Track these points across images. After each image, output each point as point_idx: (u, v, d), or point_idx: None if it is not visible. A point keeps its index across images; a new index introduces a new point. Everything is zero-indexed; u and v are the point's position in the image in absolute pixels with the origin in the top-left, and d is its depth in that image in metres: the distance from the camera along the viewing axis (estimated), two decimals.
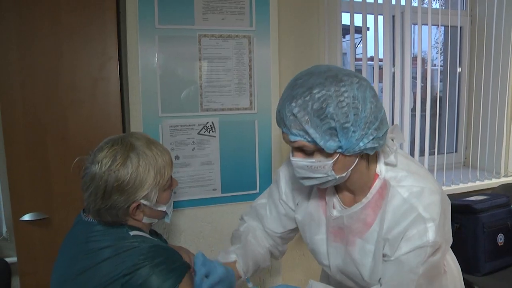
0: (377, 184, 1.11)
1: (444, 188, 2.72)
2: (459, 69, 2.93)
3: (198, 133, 1.93)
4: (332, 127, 0.98)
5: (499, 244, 2.27)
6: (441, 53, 2.95)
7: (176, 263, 1.09)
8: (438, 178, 2.74)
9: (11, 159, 1.72)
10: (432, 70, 2.67)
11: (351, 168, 1.06)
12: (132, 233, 1.13)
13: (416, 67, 2.66)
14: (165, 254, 1.09)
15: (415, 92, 2.69)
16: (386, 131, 1.05)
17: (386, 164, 1.11)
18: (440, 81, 3.01)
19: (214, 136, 1.96)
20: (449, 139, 2.96)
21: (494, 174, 2.90)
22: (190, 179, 1.95)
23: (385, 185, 1.09)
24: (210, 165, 1.97)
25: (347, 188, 1.17)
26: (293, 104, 0.98)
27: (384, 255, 1.08)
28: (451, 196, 2.50)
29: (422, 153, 2.71)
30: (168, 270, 1.05)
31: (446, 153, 2.82)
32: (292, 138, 1.02)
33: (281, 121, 1.03)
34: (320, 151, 1.01)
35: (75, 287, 1.08)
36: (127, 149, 1.12)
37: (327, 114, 0.96)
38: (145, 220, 1.19)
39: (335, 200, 1.20)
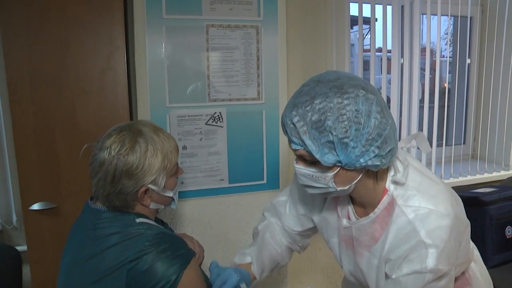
0: (385, 200, 1.06)
1: (452, 180, 2.69)
2: (468, 60, 2.88)
3: (206, 124, 1.93)
4: (330, 141, 0.93)
5: (508, 237, 2.24)
6: (450, 44, 2.91)
7: (181, 250, 1.09)
8: (445, 170, 2.71)
9: (20, 149, 1.72)
10: (440, 61, 2.63)
11: (354, 182, 1.02)
12: (138, 220, 1.13)
13: (425, 58, 2.63)
14: (170, 241, 1.09)
15: (424, 84, 2.66)
16: (392, 149, 0.98)
17: (393, 182, 1.05)
18: (449, 73, 2.97)
19: (222, 127, 1.95)
20: (457, 131, 2.92)
21: (503, 166, 2.86)
22: (197, 169, 1.94)
23: (393, 203, 1.04)
24: (217, 155, 1.96)
25: (357, 200, 1.14)
26: (294, 112, 0.95)
27: (385, 273, 1.04)
28: (458, 188, 2.50)
29: (429, 144, 2.68)
30: (173, 257, 1.06)
31: (454, 144, 2.79)
32: (293, 146, 0.99)
33: (283, 127, 1.01)
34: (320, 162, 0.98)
35: (84, 272, 1.09)
36: (135, 134, 1.13)
37: (325, 127, 0.92)
38: (152, 205, 1.19)
39: (350, 209, 1.17)
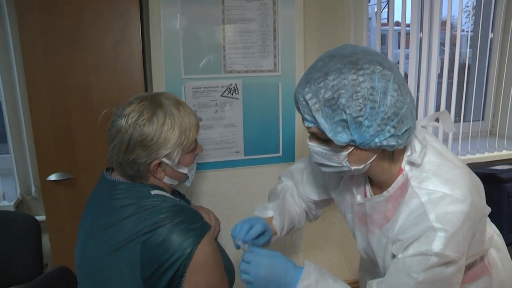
0: (399, 180, 1.02)
1: (469, 156, 2.60)
2: (491, 35, 2.76)
3: (221, 95, 1.89)
4: (344, 120, 0.89)
5: None
6: (472, 17, 2.78)
7: (196, 223, 1.06)
8: (462, 147, 2.62)
9: (36, 121, 1.72)
10: (461, 36, 2.53)
11: (369, 162, 0.97)
12: (153, 192, 1.10)
13: (445, 33, 2.53)
14: (185, 213, 1.06)
15: (443, 59, 2.56)
16: (409, 129, 0.93)
17: (409, 162, 1.00)
18: (469, 48, 2.86)
19: (237, 98, 1.92)
20: (476, 107, 2.82)
21: None
22: (213, 141, 1.92)
23: (407, 183, 1.00)
24: (233, 127, 1.93)
25: (373, 180, 1.10)
26: (306, 89, 0.91)
27: (392, 253, 1.02)
28: (475, 165, 2.44)
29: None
30: (188, 230, 1.03)
31: (472, 121, 2.70)
32: (306, 123, 0.96)
33: (296, 104, 0.97)
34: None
35: (99, 242, 1.08)
36: (155, 106, 1.09)
37: (339, 105, 0.88)
38: (166, 180, 1.16)
39: (367, 188, 1.14)
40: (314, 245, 2.36)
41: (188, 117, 1.13)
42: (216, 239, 1.27)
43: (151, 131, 1.06)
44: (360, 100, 0.87)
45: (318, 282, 1.01)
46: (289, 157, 2.03)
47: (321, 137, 0.96)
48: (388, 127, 0.90)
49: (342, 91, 0.87)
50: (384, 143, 0.92)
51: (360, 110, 0.88)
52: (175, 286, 1.03)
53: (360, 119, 0.89)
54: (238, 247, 1.14)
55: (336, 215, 2.32)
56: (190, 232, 1.03)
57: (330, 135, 0.91)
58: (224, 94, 1.89)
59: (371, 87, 0.87)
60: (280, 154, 2.03)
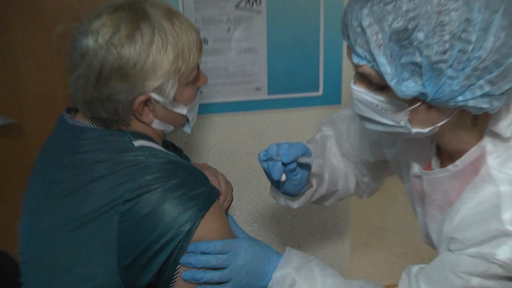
0: (473, 152, 0.99)
1: None
2: None
3: (236, 7, 1.85)
4: (416, 63, 0.84)
5: None
6: None
7: (200, 188, 1.07)
8: None
9: None
10: None
11: (438, 125, 0.94)
12: (136, 143, 1.10)
13: None
14: (183, 174, 1.07)
15: None
16: (511, 88, 0.87)
17: (492, 133, 0.97)
18: None
19: (259, 12, 1.86)
20: None
21: None
22: (223, 73, 1.90)
23: (481, 159, 0.97)
24: (252, 53, 1.90)
25: (441, 147, 1.10)
26: (365, 10, 0.85)
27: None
28: None
29: None
30: (187, 197, 1.03)
31: None
32: (356, 60, 0.91)
33: (344, 28, 0.92)
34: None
35: (57, 214, 1.08)
36: (138, 17, 1.07)
37: (412, 41, 0.82)
38: (156, 124, 1.16)
39: (433, 156, 1.14)
40: (365, 228, 2.37)
41: (186, 33, 1.12)
42: (227, 212, 1.27)
43: (133, 53, 1.05)
44: (446, 38, 0.81)
45: (300, 270, 1.11)
46: (333, 97, 2.02)
47: (375, 82, 0.92)
48: (482, 81, 0.84)
49: (421, 22, 0.81)
50: (470, 103, 0.86)
51: (444, 52, 0.82)
52: (164, 280, 1.05)
53: (441, 65, 0.83)
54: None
55: (398, 186, 2.30)
56: (190, 200, 1.04)
57: (392, 82, 0.87)
58: (240, 6, 1.84)
59: (466, 20, 0.80)
60: (320, 92, 2.00)
